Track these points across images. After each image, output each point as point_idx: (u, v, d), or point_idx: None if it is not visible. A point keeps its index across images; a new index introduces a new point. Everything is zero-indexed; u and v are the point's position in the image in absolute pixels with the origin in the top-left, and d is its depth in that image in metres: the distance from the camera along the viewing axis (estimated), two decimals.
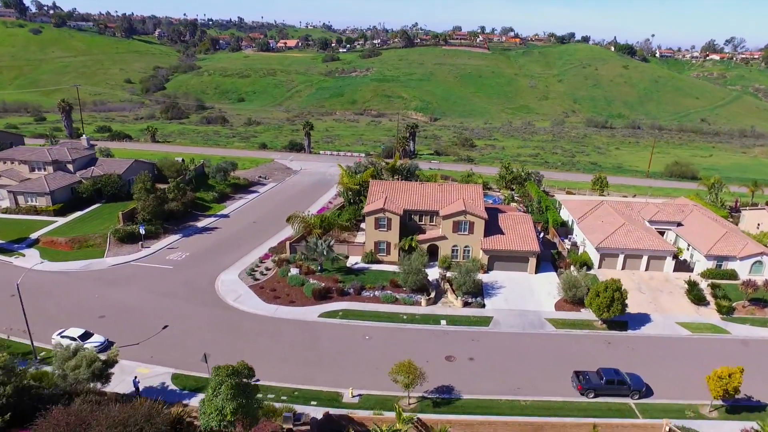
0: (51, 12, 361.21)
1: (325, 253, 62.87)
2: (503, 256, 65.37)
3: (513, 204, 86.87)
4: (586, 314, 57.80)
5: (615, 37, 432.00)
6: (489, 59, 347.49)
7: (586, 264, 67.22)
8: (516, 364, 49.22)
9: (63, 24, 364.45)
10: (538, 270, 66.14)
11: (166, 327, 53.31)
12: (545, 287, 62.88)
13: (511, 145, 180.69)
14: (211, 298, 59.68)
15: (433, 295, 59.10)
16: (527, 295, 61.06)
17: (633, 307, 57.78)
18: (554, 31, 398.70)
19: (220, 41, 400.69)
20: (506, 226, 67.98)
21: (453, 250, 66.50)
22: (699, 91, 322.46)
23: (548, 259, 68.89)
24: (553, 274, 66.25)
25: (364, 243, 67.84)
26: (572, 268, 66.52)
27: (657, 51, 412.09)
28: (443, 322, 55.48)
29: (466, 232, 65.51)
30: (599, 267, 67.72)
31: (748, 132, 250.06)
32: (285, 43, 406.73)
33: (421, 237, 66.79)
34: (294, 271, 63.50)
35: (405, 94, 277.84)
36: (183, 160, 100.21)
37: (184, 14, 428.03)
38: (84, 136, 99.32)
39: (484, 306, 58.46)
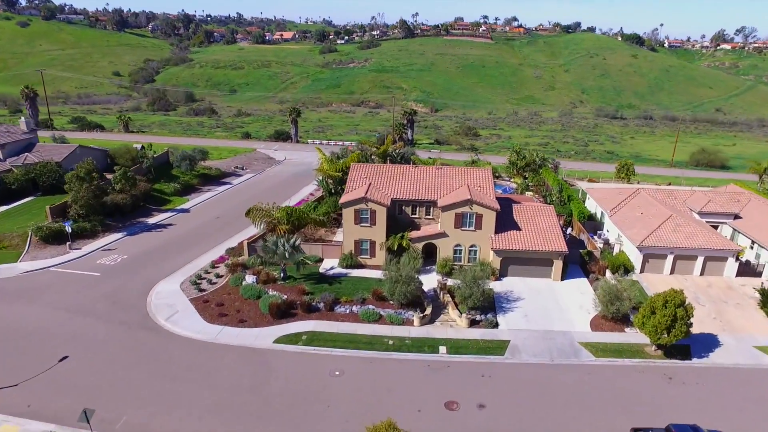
0: (40, 5, 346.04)
1: (287, 255, 48.05)
2: (520, 258, 50.45)
3: (528, 194, 72.03)
4: (633, 335, 42.93)
5: (621, 28, 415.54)
6: (492, 49, 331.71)
7: (625, 267, 52.37)
8: (545, 414, 34.28)
9: (52, 17, 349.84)
10: (564, 276, 51.26)
11: (64, 359, 38.51)
12: (575, 299, 47.98)
13: (518, 135, 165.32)
14: (137, 316, 44.85)
15: (429, 311, 44.27)
16: (553, 310, 46.15)
17: (694, 324, 42.80)
18: (559, 20, 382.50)
19: (215, 34, 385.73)
20: (523, 220, 53.06)
21: (455, 251, 51.68)
22: (712, 80, 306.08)
23: (576, 261, 54.01)
24: (584, 280, 51.33)
25: (342, 243, 53.09)
26: (607, 273, 51.67)
27: (665, 41, 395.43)
28: (442, 349, 40.58)
29: (472, 228, 50.70)
30: (641, 271, 52.73)
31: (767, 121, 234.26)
32: (281, 35, 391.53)
33: (414, 234, 52.00)
34: (250, 279, 48.76)
35: (405, 84, 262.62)
36: (142, 146, 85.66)
37: (182, 10, 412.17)
38: (23, 119, 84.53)
39: (497, 325, 43.61)
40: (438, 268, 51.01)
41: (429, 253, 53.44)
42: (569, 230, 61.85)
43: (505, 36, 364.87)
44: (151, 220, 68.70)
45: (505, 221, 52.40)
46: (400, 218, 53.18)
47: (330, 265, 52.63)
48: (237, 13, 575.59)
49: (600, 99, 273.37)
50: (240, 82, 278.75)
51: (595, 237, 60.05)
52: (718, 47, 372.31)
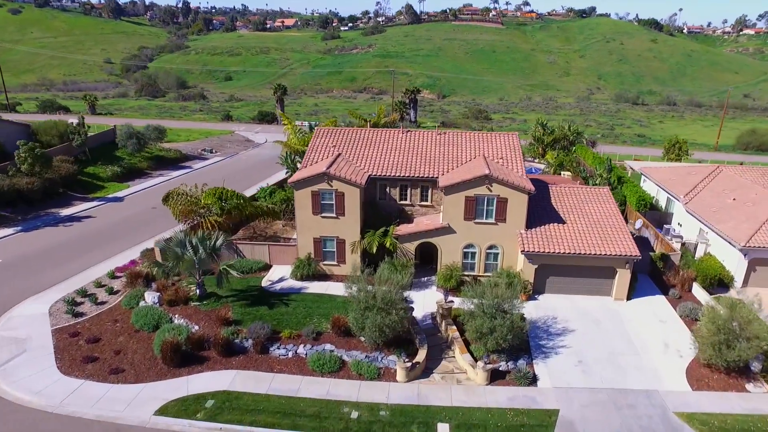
0: None
1: (197, 262, 30.50)
2: (565, 266, 32.50)
3: (565, 174, 54.15)
4: (761, 397, 25.35)
5: (636, 15, 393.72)
6: (503, 34, 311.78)
7: (721, 279, 34.56)
8: None
9: (46, 4, 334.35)
10: (631, 294, 33.50)
11: None
12: (655, 330, 30.07)
13: (534, 119, 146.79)
14: None
15: (422, 355, 26.57)
16: (624, 352, 28.20)
17: None
18: (572, 5, 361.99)
19: (214, 22, 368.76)
20: (567, 209, 35.28)
21: (466, 255, 34.08)
22: (738, 65, 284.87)
23: (643, 269, 36.17)
24: (661, 299, 33.42)
25: (296, 242, 35.66)
26: (695, 287, 33.88)
27: (684, 27, 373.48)
28: (443, 429, 23.25)
29: (492, 220, 33.11)
30: (744, 284, 34.83)
31: None
32: (283, 22, 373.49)
33: (403, 230, 34.41)
34: (150, 298, 31.36)
35: (410, 70, 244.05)
36: (80, 122, 68.60)
37: (186, 1, 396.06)
38: None
39: (534, 380, 25.86)
40: (439, 280, 33.37)
41: (426, 258, 35.92)
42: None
43: (517, 21, 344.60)
44: (66, 212, 51.48)
45: (541, 211, 34.68)
46: (382, 205, 35.60)
47: (280, 274, 35.17)
48: (242, 4, 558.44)
49: (618, 85, 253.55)
50: (236, 68, 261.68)
51: (664, 233, 42.03)
52: (741, 32, 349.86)
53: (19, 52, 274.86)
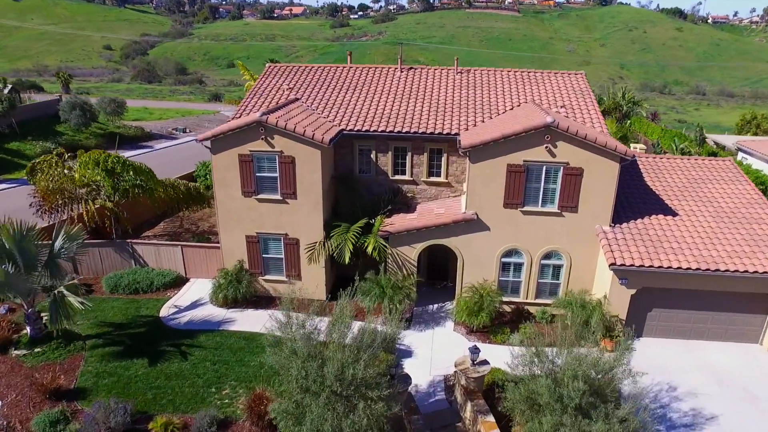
0: None
1: (8, 279, 16.47)
2: (681, 291, 17.94)
3: (636, 147, 39.40)
4: None
5: (658, 5, 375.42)
6: (520, 22, 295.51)
7: None
8: None
9: None
10: None
11: None
12: None
13: None
14: None
15: None
16: None
17: None
18: None
19: (221, 10, 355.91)
20: (674, 192, 21.00)
21: (506, 268, 19.62)
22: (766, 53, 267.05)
23: None
24: None
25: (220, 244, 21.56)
26: None
27: (709, 17, 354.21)
28: None
29: (553, 206, 18.43)
30: None
31: None
32: (291, 10, 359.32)
33: (397, 223, 20.01)
34: None
35: (422, 57, 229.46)
36: (10, 87, 55.03)
37: None
38: None
39: None
40: (459, 312, 19.00)
41: (436, 270, 21.89)
42: None
43: (534, 9, 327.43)
44: None
45: (632, 195, 20.37)
46: (364, 183, 21.35)
47: (195, 296, 21.08)
48: None
49: (642, 74, 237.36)
50: (240, 55, 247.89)
51: None
52: None
53: (17, 38, 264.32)
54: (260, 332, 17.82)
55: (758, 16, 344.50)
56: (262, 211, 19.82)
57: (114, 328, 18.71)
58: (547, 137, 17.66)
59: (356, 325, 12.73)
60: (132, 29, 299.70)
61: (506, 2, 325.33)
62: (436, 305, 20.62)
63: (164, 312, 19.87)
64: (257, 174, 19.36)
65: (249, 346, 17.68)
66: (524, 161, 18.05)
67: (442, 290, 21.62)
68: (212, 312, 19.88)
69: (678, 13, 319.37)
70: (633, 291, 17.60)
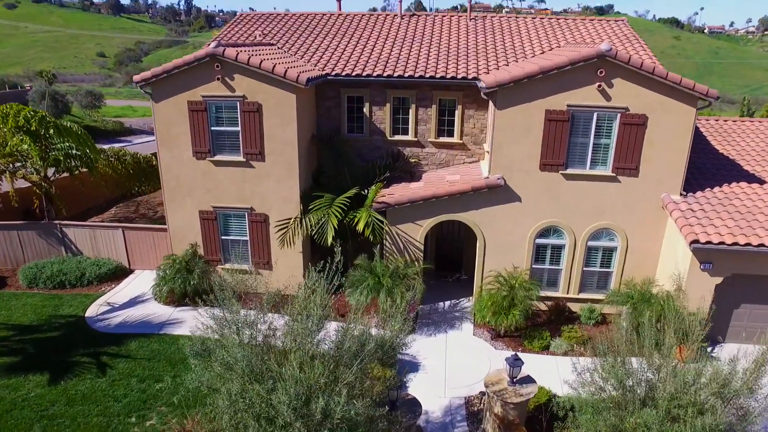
0: None
1: None
2: None
3: None
4: None
5: (654, 15, 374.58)
6: None
7: None
8: None
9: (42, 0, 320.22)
10: None
11: None
12: None
13: None
14: None
15: None
16: None
17: None
18: (588, 2, 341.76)
19: (217, 19, 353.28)
20: (751, 155, 16.49)
21: (541, 252, 14.76)
22: None
23: None
24: None
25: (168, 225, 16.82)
26: None
27: (705, 27, 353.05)
28: None
29: (605, 168, 13.70)
30: None
31: None
32: None
33: (397, 194, 15.26)
34: None
35: None
36: None
37: (188, 2, 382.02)
38: None
39: None
40: (481, 308, 14.40)
41: (447, 257, 17.21)
42: None
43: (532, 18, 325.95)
44: None
45: (698, 159, 15.78)
46: (355, 145, 16.70)
47: (137, 290, 16.37)
48: (249, 7, 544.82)
49: None
50: None
51: None
52: (766, 32, 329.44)
53: (10, 45, 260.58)
54: (215, 338, 12.99)
55: (754, 26, 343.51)
56: (220, 178, 15.07)
57: (17, 332, 13.88)
58: (601, 72, 13.02)
59: (334, 327, 7.93)
60: (127, 38, 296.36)
61: (503, 11, 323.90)
62: (448, 302, 15.83)
63: (92, 311, 15.02)
64: (213, 128, 14.64)
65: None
66: (568, 106, 13.39)
67: (455, 284, 16.87)
68: (154, 311, 15.04)
69: (675, 22, 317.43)
70: (719, 280, 12.85)
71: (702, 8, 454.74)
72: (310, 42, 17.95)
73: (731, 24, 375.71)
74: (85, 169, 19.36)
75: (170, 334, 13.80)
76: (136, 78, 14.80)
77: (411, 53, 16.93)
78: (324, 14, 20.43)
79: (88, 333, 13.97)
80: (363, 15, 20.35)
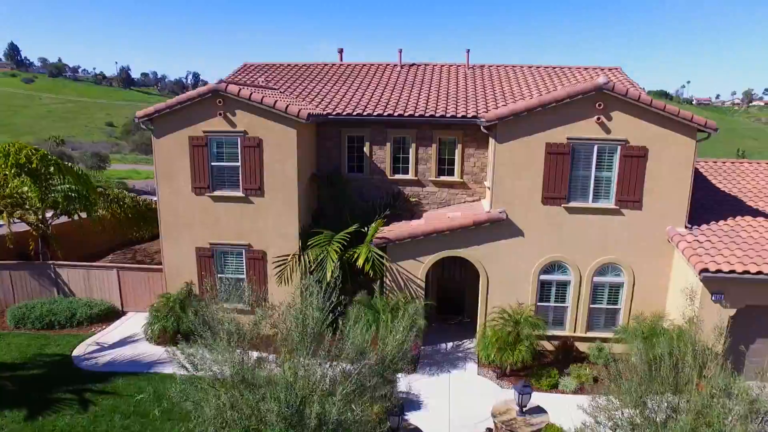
0: (49, 63, 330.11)
1: None
2: None
3: None
4: None
5: (644, 88, 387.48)
6: None
7: None
8: None
9: (59, 74, 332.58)
10: None
11: None
12: None
13: None
14: None
15: None
16: None
17: None
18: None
19: None
20: (753, 192, 16.28)
21: (545, 288, 14.27)
22: (755, 132, 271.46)
23: None
24: None
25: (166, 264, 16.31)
26: None
27: (693, 99, 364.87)
28: None
29: (608, 201, 13.42)
30: None
31: None
32: None
33: (396, 230, 14.86)
34: None
35: None
36: None
37: (196, 76, 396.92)
38: None
39: None
40: (486, 347, 13.65)
41: (449, 301, 16.64)
42: None
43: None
44: None
45: (701, 196, 15.56)
46: (356, 184, 16.57)
47: (128, 331, 15.69)
48: None
49: None
50: None
51: None
52: (751, 104, 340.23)
53: (24, 116, 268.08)
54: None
55: (739, 98, 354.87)
56: (219, 214, 14.80)
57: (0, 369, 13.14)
58: (599, 105, 13.04)
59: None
60: (136, 108, 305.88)
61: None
62: (450, 344, 15.13)
63: (80, 350, 14.32)
64: (213, 163, 14.53)
65: (187, 393, 12.06)
66: (568, 139, 13.33)
67: (458, 327, 16.21)
68: (145, 350, 14.34)
69: (664, 94, 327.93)
70: (732, 311, 12.30)
71: (689, 81, 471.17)
72: (311, 87, 18.20)
73: (717, 96, 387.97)
74: (84, 214, 19.15)
75: (161, 373, 13.06)
76: (138, 113, 14.83)
77: (411, 95, 17.12)
78: (326, 64, 20.87)
79: (74, 371, 13.25)
80: (364, 64, 20.76)
